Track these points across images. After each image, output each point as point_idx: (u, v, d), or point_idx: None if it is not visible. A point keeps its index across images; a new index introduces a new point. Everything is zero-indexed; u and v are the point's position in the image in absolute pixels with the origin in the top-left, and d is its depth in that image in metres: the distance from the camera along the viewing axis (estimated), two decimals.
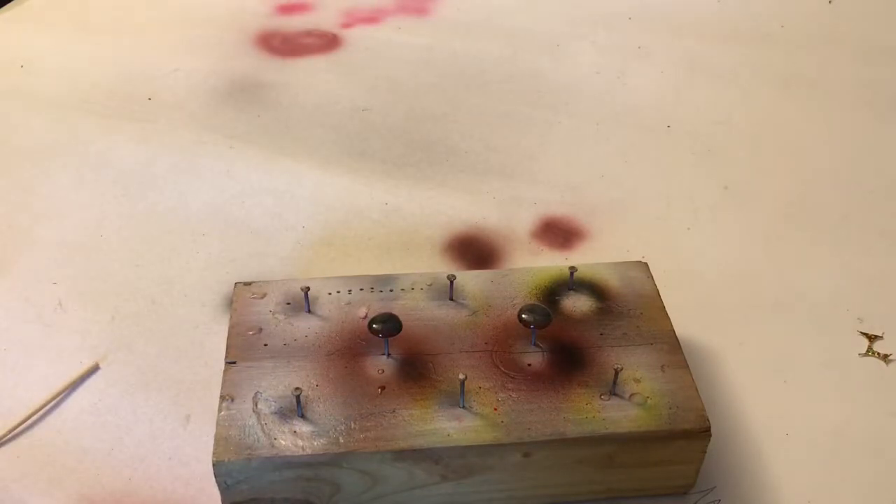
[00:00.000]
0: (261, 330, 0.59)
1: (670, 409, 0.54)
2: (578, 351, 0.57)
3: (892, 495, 0.57)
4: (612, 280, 0.62)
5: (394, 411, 0.53)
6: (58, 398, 0.63)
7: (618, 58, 1.03)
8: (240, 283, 0.62)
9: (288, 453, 0.51)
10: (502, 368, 0.56)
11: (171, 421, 0.61)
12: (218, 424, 0.53)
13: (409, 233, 0.78)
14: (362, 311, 0.60)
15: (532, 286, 0.62)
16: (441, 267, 0.74)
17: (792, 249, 0.76)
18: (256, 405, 0.54)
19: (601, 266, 0.64)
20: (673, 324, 0.59)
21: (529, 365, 0.56)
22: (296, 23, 1.10)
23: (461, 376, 0.53)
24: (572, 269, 0.62)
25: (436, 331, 0.58)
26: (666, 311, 0.60)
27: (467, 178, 0.84)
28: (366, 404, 0.54)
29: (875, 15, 1.12)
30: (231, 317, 0.60)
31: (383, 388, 0.55)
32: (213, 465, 0.51)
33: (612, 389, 0.54)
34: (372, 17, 1.12)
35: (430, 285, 0.62)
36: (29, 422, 0.61)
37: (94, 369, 0.65)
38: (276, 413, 0.53)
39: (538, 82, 0.99)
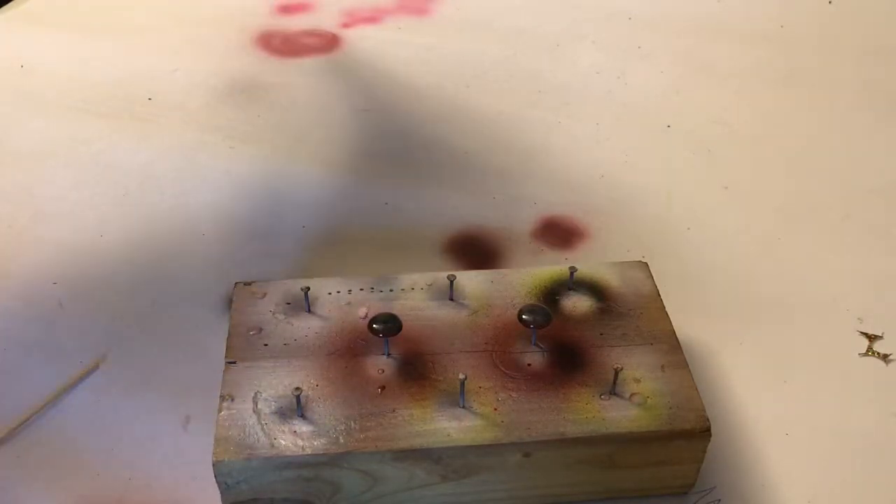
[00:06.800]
0: (261, 330, 0.59)
1: (670, 409, 0.54)
2: (578, 351, 0.57)
3: (892, 495, 0.57)
4: (612, 280, 0.62)
5: (394, 411, 0.53)
6: (58, 398, 0.63)
7: (618, 58, 1.03)
8: (240, 283, 0.62)
9: (288, 453, 0.51)
10: (502, 368, 0.56)
11: (171, 421, 0.61)
12: (218, 424, 0.53)
13: (409, 233, 0.78)
14: (362, 311, 0.60)
15: (532, 286, 0.62)
16: (441, 267, 0.74)
17: (792, 249, 0.76)
18: (256, 405, 0.54)
19: (601, 266, 0.63)
20: (673, 324, 0.59)
21: (529, 365, 0.56)
22: (296, 23, 1.10)
23: (461, 376, 0.53)
24: (572, 269, 0.61)
25: (436, 331, 0.58)
26: (666, 311, 0.60)
27: (467, 178, 0.84)
28: (366, 404, 0.54)
29: (875, 15, 1.12)
30: (231, 317, 0.60)
31: (383, 387, 0.55)
32: (214, 465, 0.51)
33: (612, 389, 0.54)
34: (372, 17, 1.12)
35: (430, 285, 0.62)
36: (29, 422, 0.61)
37: (94, 369, 0.65)
38: (276, 413, 0.53)
39: (538, 82, 0.99)
